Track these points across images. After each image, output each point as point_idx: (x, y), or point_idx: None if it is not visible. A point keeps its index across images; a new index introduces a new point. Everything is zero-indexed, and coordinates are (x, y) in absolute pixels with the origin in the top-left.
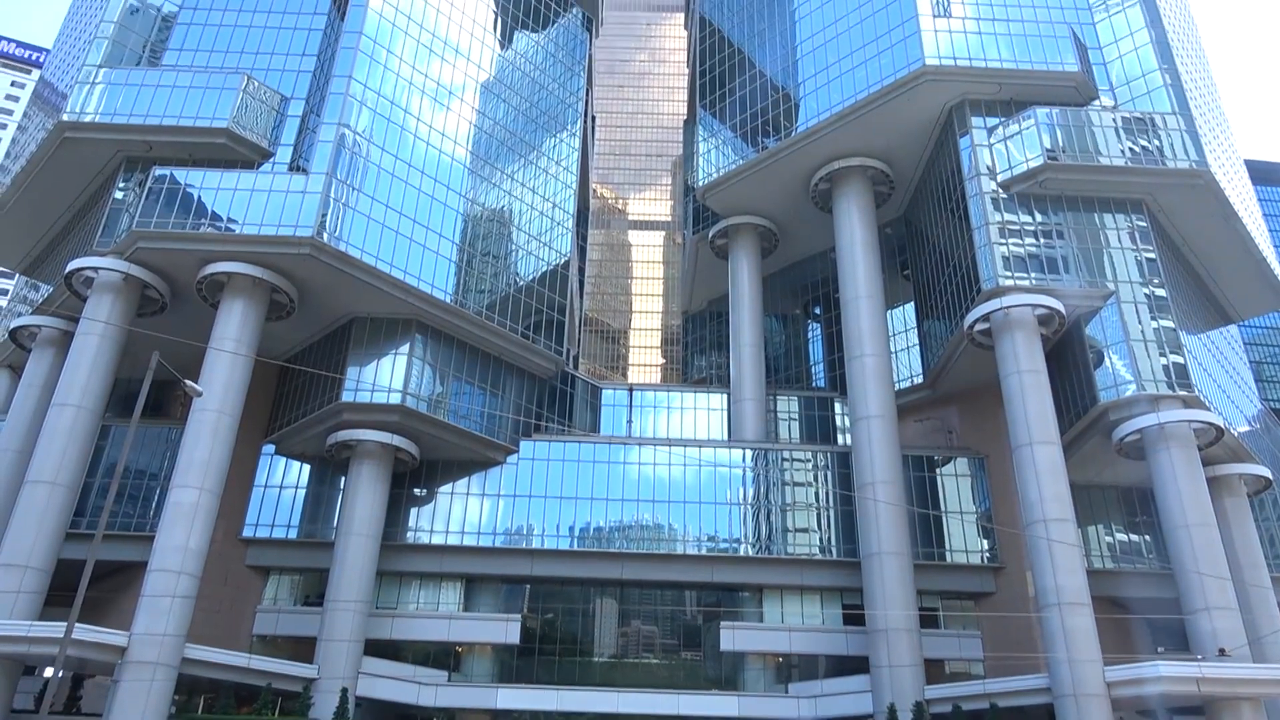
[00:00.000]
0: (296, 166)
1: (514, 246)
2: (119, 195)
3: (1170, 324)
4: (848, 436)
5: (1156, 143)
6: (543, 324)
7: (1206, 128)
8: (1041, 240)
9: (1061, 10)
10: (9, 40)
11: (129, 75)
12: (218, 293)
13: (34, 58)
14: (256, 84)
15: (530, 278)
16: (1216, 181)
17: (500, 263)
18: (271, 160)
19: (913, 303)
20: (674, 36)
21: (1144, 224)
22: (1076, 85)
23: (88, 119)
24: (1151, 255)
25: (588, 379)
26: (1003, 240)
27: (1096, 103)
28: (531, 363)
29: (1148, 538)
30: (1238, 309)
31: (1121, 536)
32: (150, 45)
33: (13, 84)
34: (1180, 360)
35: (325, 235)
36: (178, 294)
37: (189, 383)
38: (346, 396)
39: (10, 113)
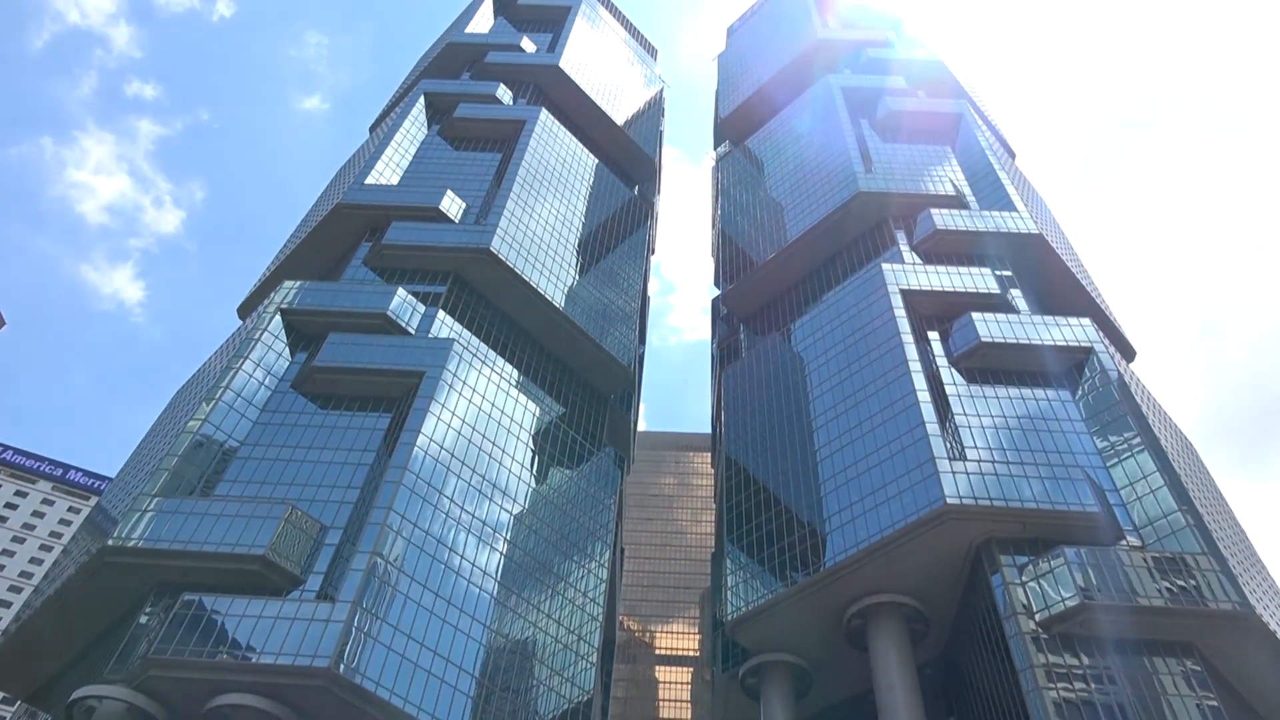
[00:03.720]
0: (325, 594)
1: (535, 681)
2: (143, 620)
3: None
4: None
5: (1193, 583)
6: None
7: (1240, 567)
8: (1093, 685)
9: (1073, 455)
10: (78, 470)
11: (179, 505)
12: None
13: (96, 485)
14: (299, 513)
15: (550, 716)
16: (1265, 623)
17: (519, 699)
18: (302, 587)
19: None
20: (702, 472)
21: (1198, 669)
22: (1099, 525)
23: (130, 544)
24: (1214, 703)
25: None
26: (1051, 684)
27: (1124, 543)
28: None
29: None
30: None
31: None
32: (206, 477)
33: (69, 509)
34: None
35: (342, 666)
36: None
37: None
38: None
39: (61, 537)
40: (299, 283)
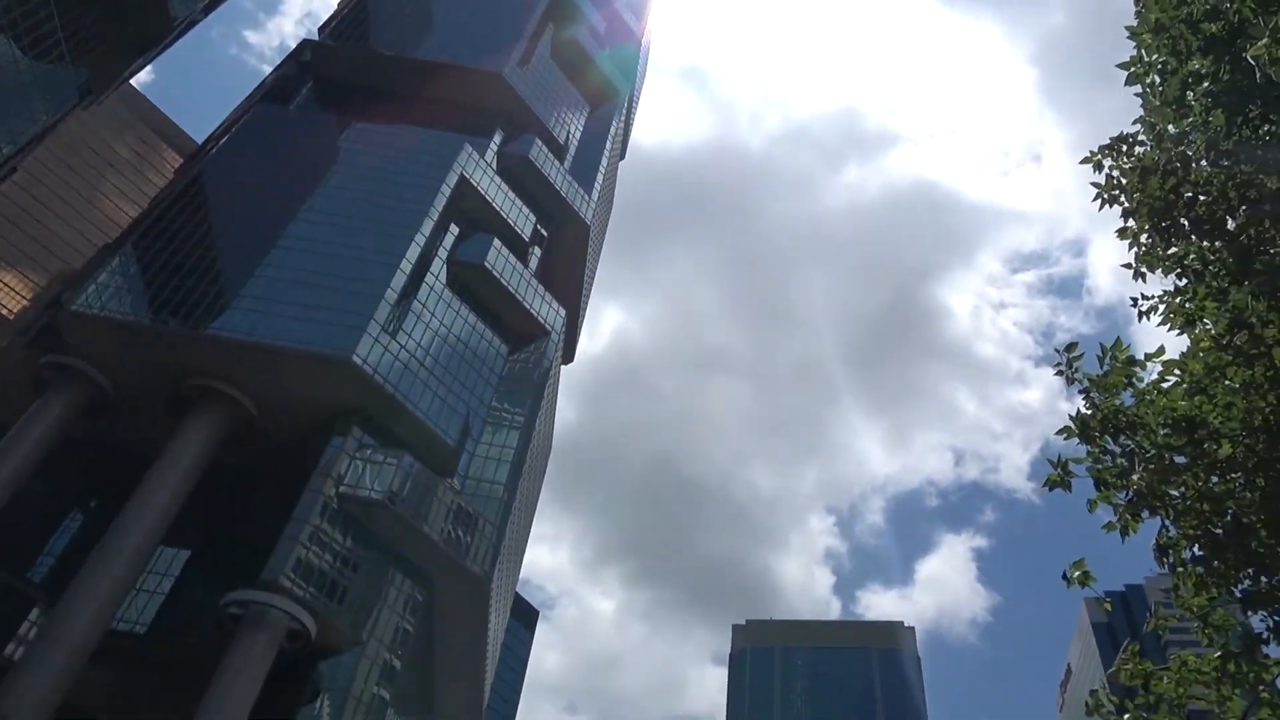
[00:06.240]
0: None
1: None
2: None
3: (387, 697)
4: None
5: (468, 540)
6: None
7: (507, 552)
8: (337, 564)
9: (472, 395)
10: None
11: None
12: None
13: None
14: None
15: None
16: (489, 593)
17: None
18: None
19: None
20: (163, 170)
21: (421, 596)
22: (446, 456)
23: None
24: (409, 628)
25: None
26: (306, 544)
27: (450, 480)
28: None
29: None
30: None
31: None
32: None
33: None
34: None
35: None
36: None
37: None
38: None
39: None
40: None
